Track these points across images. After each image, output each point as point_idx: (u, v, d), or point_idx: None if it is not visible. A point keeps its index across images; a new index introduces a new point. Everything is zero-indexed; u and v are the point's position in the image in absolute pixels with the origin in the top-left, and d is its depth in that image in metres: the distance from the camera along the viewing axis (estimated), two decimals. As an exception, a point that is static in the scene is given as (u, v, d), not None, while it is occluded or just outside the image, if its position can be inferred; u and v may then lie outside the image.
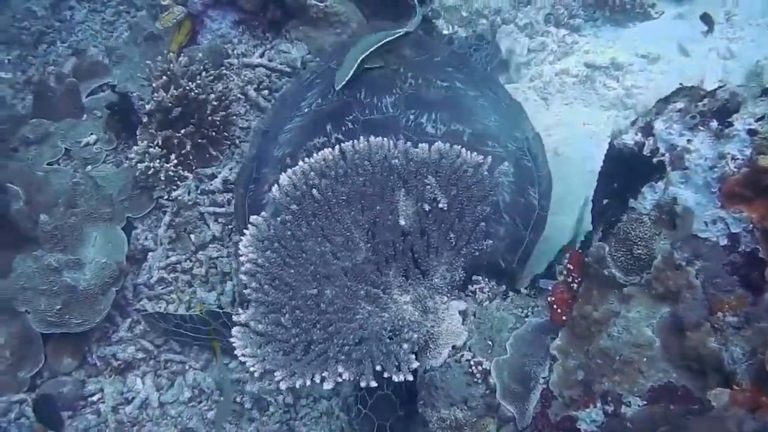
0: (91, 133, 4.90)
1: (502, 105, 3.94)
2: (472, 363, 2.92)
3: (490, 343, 2.99)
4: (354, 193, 3.01)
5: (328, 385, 2.65)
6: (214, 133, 4.49)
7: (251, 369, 2.66)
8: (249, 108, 4.85)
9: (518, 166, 3.61)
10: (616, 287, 2.65)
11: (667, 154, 2.58)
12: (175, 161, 4.35)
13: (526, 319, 3.01)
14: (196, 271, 4.26)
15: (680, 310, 2.39)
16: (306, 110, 3.85)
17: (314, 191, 2.95)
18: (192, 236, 4.32)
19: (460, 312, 3.09)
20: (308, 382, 2.63)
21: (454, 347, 3.02)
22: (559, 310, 2.83)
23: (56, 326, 3.84)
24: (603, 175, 2.97)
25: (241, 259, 2.87)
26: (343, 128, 3.58)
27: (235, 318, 2.80)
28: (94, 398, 4.00)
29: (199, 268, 4.26)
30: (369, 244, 3.01)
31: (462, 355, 2.98)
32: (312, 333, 2.77)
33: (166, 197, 4.39)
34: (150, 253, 4.31)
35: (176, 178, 4.38)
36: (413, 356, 2.76)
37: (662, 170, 2.59)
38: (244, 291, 2.85)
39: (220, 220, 4.38)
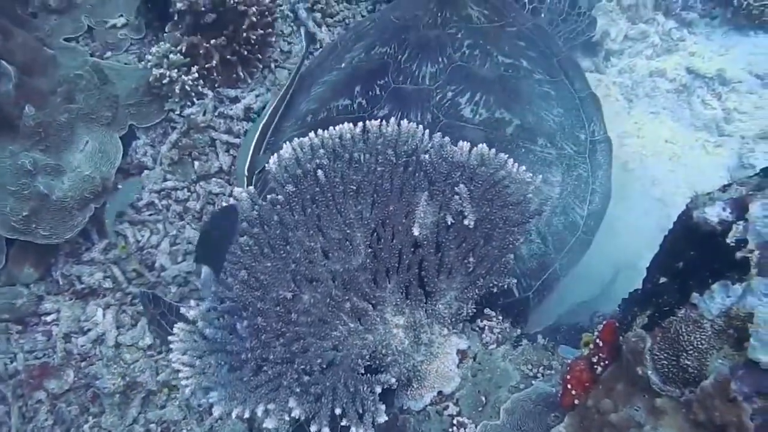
0: (121, 15, 4.30)
1: (575, 97, 3.32)
2: (455, 422, 2.43)
3: (483, 399, 2.49)
4: (367, 185, 2.49)
5: (270, 423, 2.17)
6: (246, 52, 3.92)
7: (183, 382, 2.20)
8: (296, 29, 4.27)
9: (569, 174, 3.05)
10: (647, 392, 2.11)
11: (756, 252, 1.98)
12: (196, 75, 3.81)
13: (533, 382, 2.49)
14: (191, 204, 3.78)
15: (721, 453, 1.87)
16: (346, 64, 3.44)
17: (320, 172, 2.43)
18: (196, 163, 3.82)
19: (458, 351, 2.59)
20: (248, 414, 2.16)
21: (440, 393, 2.53)
22: (572, 392, 2.30)
23: (20, 233, 3.42)
24: (668, 247, 2.37)
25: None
26: (370, 93, 3.17)
27: (182, 311, 2.32)
28: (48, 318, 3.61)
29: (195, 202, 3.78)
30: (370, 249, 2.49)
31: (446, 407, 2.49)
32: (271, 349, 2.28)
33: (178, 112, 3.88)
34: (146, 171, 3.83)
35: (193, 94, 3.85)
36: (383, 407, 2.26)
37: (745, 270, 2.00)
38: (200, 280, 2.37)
39: (231, 151, 3.87)
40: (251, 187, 2.44)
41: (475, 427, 2.40)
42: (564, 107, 3.21)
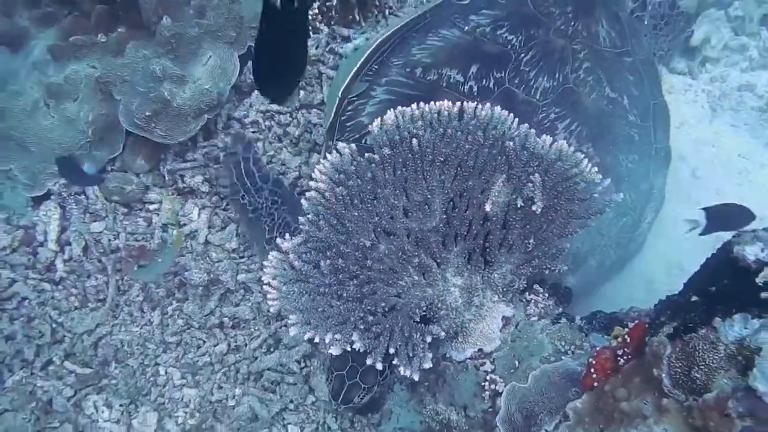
0: (254, -65, 4.61)
1: (652, 147, 3.56)
2: (488, 378, 2.80)
3: (516, 363, 2.84)
4: (453, 158, 2.79)
5: (334, 350, 2.57)
6: (366, -3, 4.21)
7: (269, 302, 2.60)
8: (414, -24, 4.51)
9: (617, 220, 3.41)
10: (658, 391, 2.42)
11: (780, 296, 2.26)
12: (316, 10, 4.11)
13: (563, 358, 2.82)
14: (290, 129, 4.13)
15: (707, 457, 2.19)
16: (469, 27, 3.50)
17: (414, 141, 2.74)
18: (302, 92, 4.15)
19: (503, 317, 2.93)
20: (317, 339, 2.56)
21: (480, 350, 2.89)
22: (594, 376, 2.63)
23: (140, 129, 3.83)
24: (706, 270, 2.65)
25: (311, 183, 2.72)
26: (483, 81, 3.33)
27: (278, 242, 2.70)
28: (151, 207, 4.07)
29: (294, 128, 4.13)
30: (445, 215, 2.82)
31: (483, 363, 2.85)
32: (345, 287, 2.66)
33: (293, 41, 4.19)
34: (255, 92, 4.18)
35: (310, 27, 4.15)
36: (430, 355, 2.64)
37: (766, 309, 2.28)
38: (299, 218, 2.73)
39: (335, 87, 4.19)
40: (353, 144, 2.76)
41: (505, 385, 2.76)
42: (640, 155, 3.44)
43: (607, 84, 3.44)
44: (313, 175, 2.73)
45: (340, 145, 2.75)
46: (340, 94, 3.46)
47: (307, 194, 2.72)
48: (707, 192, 3.86)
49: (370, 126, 2.77)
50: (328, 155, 2.74)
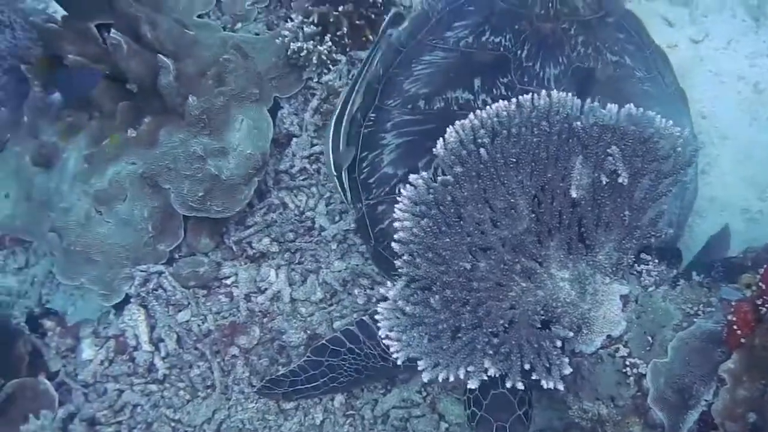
0: (246, -15, 4.53)
1: (667, 93, 3.41)
2: (627, 363, 2.71)
3: (649, 339, 2.74)
4: (525, 155, 2.70)
5: (472, 384, 2.50)
6: (373, 15, 4.10)
7: (394, 355, 2.54)
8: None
9: None
10: (813, 332, 2.33)
11: None
12: (330, 43, 4.03)
13: (695, 320, 2.72)
14: (338, 165, 4.07)
15: None
16: (451, 44, 3.32)
17: (482, 151, 2.66)
18: (341, 128, 4.09)
19: (621, 297, 2.83)
20: (452, 377, 2.49)
21: (608, 336, 2.80)
22: (738, 333, 2.51)
23: (197, 211, 3.79)
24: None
25: (396, 225, 2.65)
26: (494, 91, 3.18)
27: (382, 291, 2.64)
28: (228, 281, 4.02)
29: (342, 163, 4.06)
30: (533, 214, 2.73)
31: (617, 349, 2.76)
32: (461, 316, 2.59)
33: (315, 80, 4.12)
34: (294, 139, 4.12)
35: (329, 61, 4.08)
36: (567, 360, 2.55)
37: None
38: (396, 262, 2.66)
39: (369, 111, 4.11)
40: (424, 173, 2.69)
41: (646, 366, 2.67)
42: (660, 105, 3.23)
43: (606, 50, 3.31)
44: (396, 215, 2.66)
45: (412, 176, 2.68)
46: (335, 171, 3.36)
47: (396, 236, 2.65)
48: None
49: (434, 149, 2.69)
50: (402, 191, 2.67)
